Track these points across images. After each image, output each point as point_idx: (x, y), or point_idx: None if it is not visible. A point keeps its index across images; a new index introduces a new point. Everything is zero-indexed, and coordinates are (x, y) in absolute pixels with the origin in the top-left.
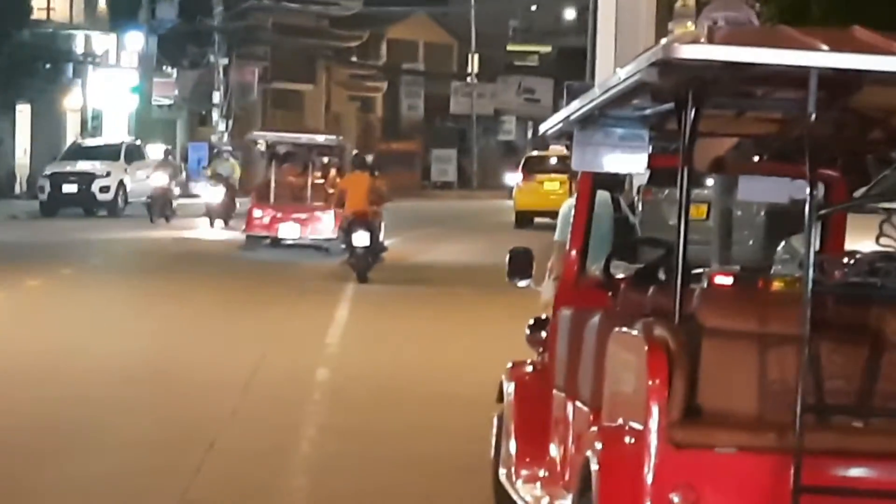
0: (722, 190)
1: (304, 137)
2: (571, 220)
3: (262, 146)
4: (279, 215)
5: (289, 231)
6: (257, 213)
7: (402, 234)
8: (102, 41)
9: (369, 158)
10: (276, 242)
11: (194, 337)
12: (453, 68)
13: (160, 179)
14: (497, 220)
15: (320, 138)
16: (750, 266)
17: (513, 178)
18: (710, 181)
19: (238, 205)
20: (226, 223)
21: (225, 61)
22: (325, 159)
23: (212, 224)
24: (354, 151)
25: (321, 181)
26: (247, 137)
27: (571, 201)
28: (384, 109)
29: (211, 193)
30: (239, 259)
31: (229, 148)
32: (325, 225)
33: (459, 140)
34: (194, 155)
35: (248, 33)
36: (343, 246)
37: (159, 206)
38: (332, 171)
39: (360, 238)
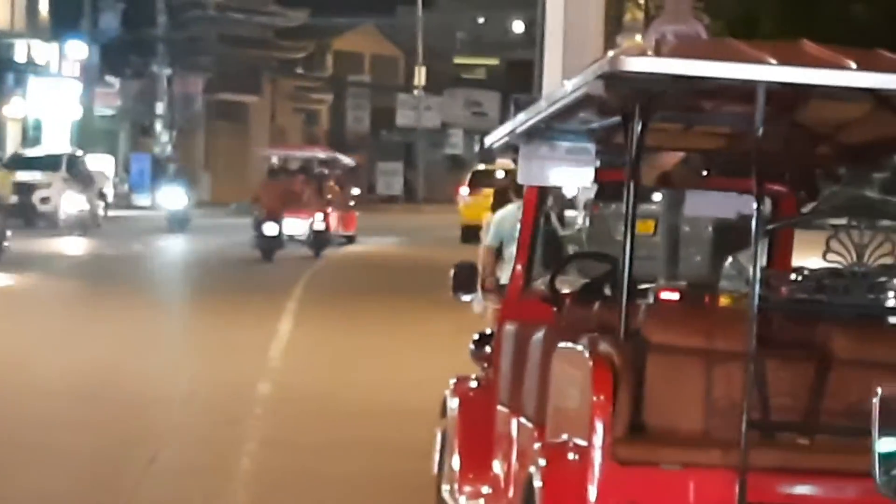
0: (670, 205)
1: (305, 152)
2: (497, 228)
3: (274, 159)
4: (283, 215)
5: (292, 228)
6: (288, 214)
7: (346, 248)
8: (44, 50)
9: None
10: (271, 240)
11: (134, 351)
12: (400, 80)
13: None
14: (443, 235)
15: (319, 153)
16: (697, 282)
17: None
18: (658, 196)
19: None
20: None
21: (168, 72)
22: (324, 170)
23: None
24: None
25: (319, 187)
26: (260, 153)
27: (503, 211)
28: (329, 122)
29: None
30: (180, 270)
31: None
32: (319, 223)
33: (406, 153)
34: (137, 166)
35: (192, 44)
36: (255, 233)
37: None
38: (330, 180)
39: (269, 228)
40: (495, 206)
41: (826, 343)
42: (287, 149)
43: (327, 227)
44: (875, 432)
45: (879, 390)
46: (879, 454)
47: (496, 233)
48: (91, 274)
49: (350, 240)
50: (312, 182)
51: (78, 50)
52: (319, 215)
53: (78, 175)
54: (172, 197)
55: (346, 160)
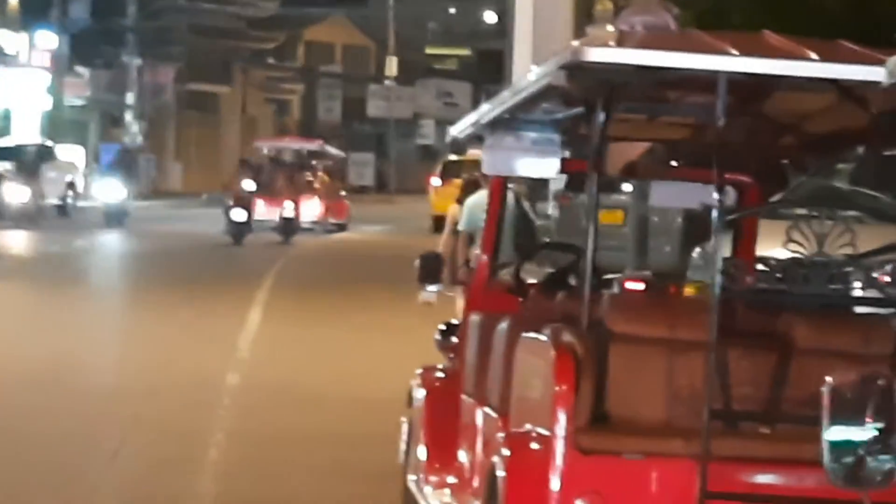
0: (638, 196)
1: (296, 144)
2: (470, 215)
3: (268, 151)
4: (277, 202)
5: (285, 212)
6: (259, 202)
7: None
8: (13, 40)
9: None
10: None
11: (99, 340)
12: (371, 71)
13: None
14: (416, 225)
15: (310, 144)
16: (664, 272)
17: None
18: (628, 187)
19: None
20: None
21: (139, 62)
22: (313, 161)
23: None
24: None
25: (310, 177)
26: (253, 145)
27: (475, 198)
28: (301, 112)
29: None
30: (150, 260)
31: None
32: (311, 209)
33: (377, 144)
34: (107, 157)
35: (163, 34)
36: (226, 219)
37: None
38: (319, 170)
39: (237, 214)
40: (463, 197)
41: (787, 332)
42: (278, 141)
43: (297, 216)
44: (825, 421)
45: (829, 379)
46: (829, 442)
47: (469, 219)
48: (47, 267)
49: (342, 227)
50: (286, 172)
51: (48, 40)
52: (289, 204)
53: (23, 166)
54: (109, 189)
55: (336, 152)
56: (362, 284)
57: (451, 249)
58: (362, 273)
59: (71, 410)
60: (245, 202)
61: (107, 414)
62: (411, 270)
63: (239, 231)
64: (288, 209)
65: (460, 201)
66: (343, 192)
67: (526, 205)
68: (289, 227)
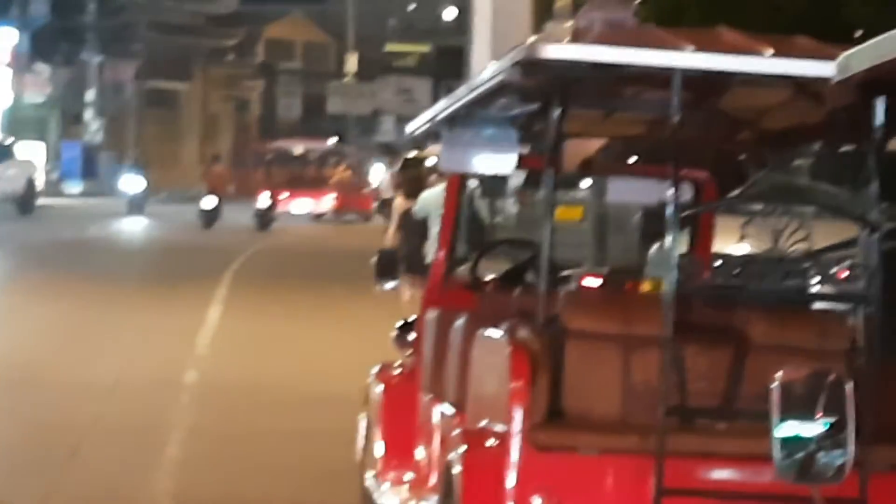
0: (596, 192)
1: (315, 144)
2: (423, 204)
3: (291, 150)
4: (295, 197)
5: (302, 207)
6: (282, 196)
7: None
8: None
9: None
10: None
11: (57, 338)
12: (331, 68)
13: None
14: (376, 222)
15: (324, 144)
16: (622, 268)
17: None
18: (587, 183)
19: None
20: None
21: (99, 59)
22: (330, 158)
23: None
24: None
25: (325, 173)
26: (273, 145)
27: (430, 191)
28: (261, 109)
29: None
30: (109, 256)
31: None
32: (326, 203)
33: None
34: (67, 154)
35: (123, 31)
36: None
37: None
38: (337, 166)
39: (207, 202)
40: (409, 193)
41: (743, 328)
42: (299, 141)
43: (272, 207)
44: (775, 417)
45: (779, 374)
46: (779, 438)
47: (422, 207)
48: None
49: (367, 217)
50: (307, 169)
51: (8, 36)
52: (265, 195)
53: None
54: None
55: (352, 151)
56: (322, 280)
57: (397, 243)
58: (319, 269)
59: (28, 408)
60: (215, 191)
61: (65, 412)
62: (368, 267)
63: (208, 218)
64: (264, 199)
65: (408, 196)
66: (365, 189)
67: (477, 202)
68: (265, 218)
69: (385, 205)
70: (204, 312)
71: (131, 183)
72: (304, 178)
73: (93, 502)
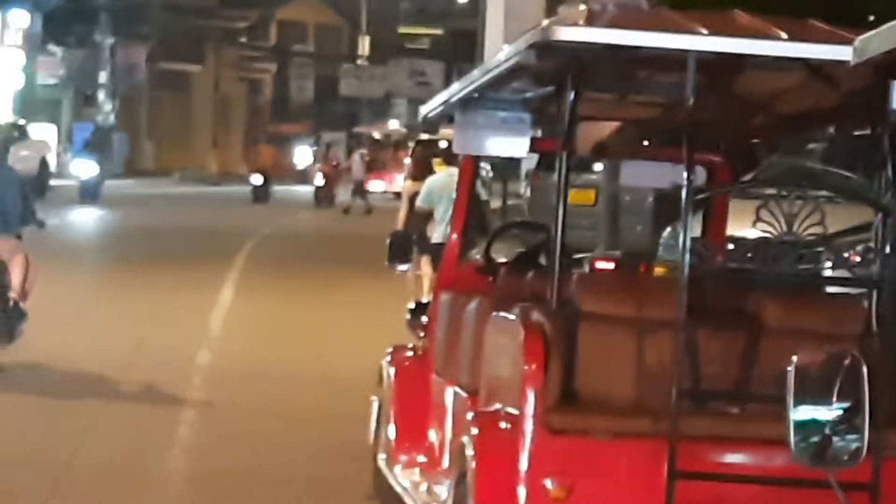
0: (610, 175)
1: (390, 129)
2: (428, 191)
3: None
4: (371, 177)
5: (377, 186)
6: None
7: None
8: None
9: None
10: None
11: (70, 319)
12: (344, 50)
13: None
14: (386, 206)
15: (392, 129)
16: (635, 251)
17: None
18: (600, 166)
19: None
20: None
21: (111, 41)
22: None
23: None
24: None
25: (393, 156)
26: (354, 131)
27: (435, 176)
28: (273, 91)
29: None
30: (119, 239)
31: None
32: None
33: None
34: (80, 135)
35: (135, 12)
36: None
37: None
38: (404, 149)
39: (255, 179)
40: (417, 174)
41: (756, 312)
42: (376, 127)
43: (327, 184)
44: (790, 400)
45: (794, 358)
46: (795, 422)
47: (426, 195)
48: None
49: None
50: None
51: (20, 18)
52: (319, 175)
53: None
54: (84, 166)
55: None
56: (334, 262)
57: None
58: (334, 251)
59: (42, 386)
60: (262, 171)
61: (78, 391)
62: (381, 248)
63: (258, 193)
64: (318, 179)
65: (415, 178)
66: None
67: (490, 185)
68: (321, 195)
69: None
70: (216, 295)
71: (82, 167)
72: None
73: (105, 481)
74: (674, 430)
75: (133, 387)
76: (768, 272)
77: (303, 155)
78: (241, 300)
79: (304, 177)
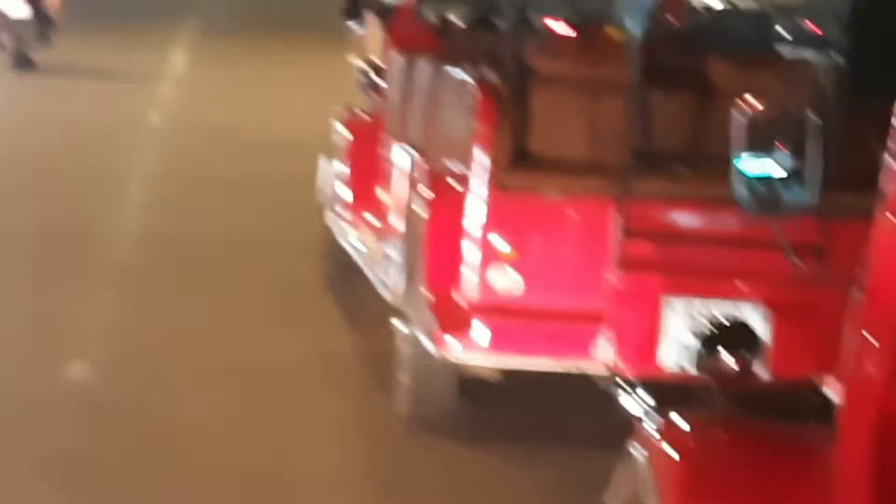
0: None
1: None
2: None
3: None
4: None
5: None
6: None
7: None
8: None
9: None
10: None
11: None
12: None
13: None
14: None
15: None
16: (594, 15)
17: None
18: None
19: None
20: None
21: None
22: None
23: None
24: None
25: None
26: None
27: None
28: None
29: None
30: None
31: None
32: None
33: None
34: None
35: None
36: None
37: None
38: None
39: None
40: None
41: (710, 74)
42: None
43: None
44: (737, 150)
45: (742, 109)
46: (741, 172)
47: None
48: None
49: None
50: None
51: None
52: None
53: None
54: None
55: None
56: (288, 24)
57: None
58: (286, 15)
59: None
60: None
61: (18, 146)
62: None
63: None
64: None
65: None
66: None
67: None
68: None
69: None
70: (166, 58)
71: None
72: None
73: (53, 241)
74: (625, 189)
75: (83, 151)
76: (724, 36)
77: None
78: (193, 66)
79: None
